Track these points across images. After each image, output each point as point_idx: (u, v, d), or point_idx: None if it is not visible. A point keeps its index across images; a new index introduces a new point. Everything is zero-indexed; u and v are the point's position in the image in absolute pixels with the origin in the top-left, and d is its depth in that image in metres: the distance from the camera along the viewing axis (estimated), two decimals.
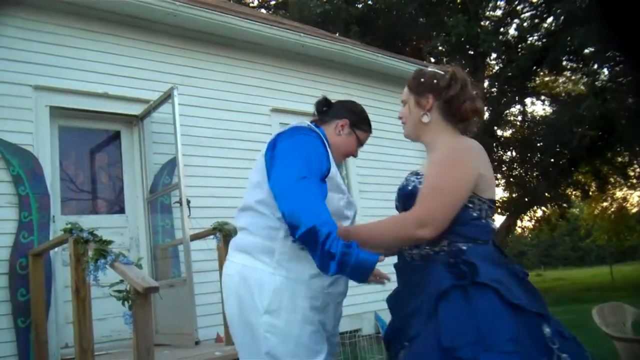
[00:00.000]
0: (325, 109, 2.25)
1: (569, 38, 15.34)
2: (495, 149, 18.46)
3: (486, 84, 17.53)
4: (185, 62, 6.03)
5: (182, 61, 6.01)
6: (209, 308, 4.89)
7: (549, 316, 1.56)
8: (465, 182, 1.73)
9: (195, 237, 4.80)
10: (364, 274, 1.72)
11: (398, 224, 1.74)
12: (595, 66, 15.94)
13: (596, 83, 16.10)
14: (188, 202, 4.80)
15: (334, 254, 1.70)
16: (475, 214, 1.74)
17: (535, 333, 1.50)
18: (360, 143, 2.25)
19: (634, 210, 27.34)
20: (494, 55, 17.20)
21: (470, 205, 1.74)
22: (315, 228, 1.74)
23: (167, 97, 5.02)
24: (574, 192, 21.73)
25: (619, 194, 26.05)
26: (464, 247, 1.69)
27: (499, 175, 19.57)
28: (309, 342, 1.88)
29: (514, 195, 19.63)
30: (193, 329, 4.40)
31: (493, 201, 1.80)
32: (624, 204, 26.98)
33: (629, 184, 24.04)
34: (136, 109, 5.50)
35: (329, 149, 2.06)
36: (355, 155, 2.25)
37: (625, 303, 3.57)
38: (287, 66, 6.97)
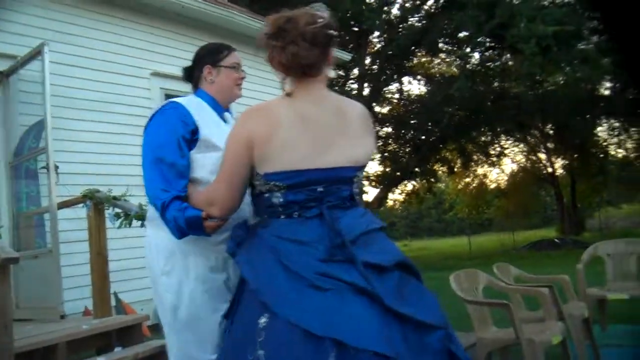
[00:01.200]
0: (190, 73, 2.26)
1: (446, 21, 16.15)
2: (373, 125, 19.18)
3: (368, 61, 18.03)
4: (61, 17, 5.61)
5: (58, 16, 5.58)
6: (77, 280, 4.65)
7: (274, 307, 1.52)
8: (235, 155, 1.73)
9: (64, 205, 4.54)
10: (199, 227, 1.86)
11: (198, 200, 1.87)
12: (468, 50, 16.97)
13: (467, 66, 17.21)
14: (56, 167, 4.51)
15: (169, 220, 1.89)
16: (260, 190, 1.73)
17: (250, 323, 1.56)
18: (236, 70, 2.23)
19: (492, 186, 29.83)
20: (376, 33, 17.69)
21: (257, 182, 1.74)
22: (155, 204, 1.95)
23: (36, 53, 4.65)
24: (441, 168, 23.21)
25: (480, 170, 28.26)
26: (254, 222, 1.81)
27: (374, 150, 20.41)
28: (203, 299, 1.97)
29: (387, 170, 20.56)
30: (58, 303, 4.20)
31: (283, 173, 1.68)
32: (484, 180, 29.32)
33: (489, 161, 26.13)
34: (2, 65, 5.06)
35: (194, 112, 2.07)
36: (239, 86, 2.23)
37: (479, 270, 3.95)
38: (168, 28, 6.71)
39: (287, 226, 1.67)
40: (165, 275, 2.01)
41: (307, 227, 1.65)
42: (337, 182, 1.69)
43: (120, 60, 6.08)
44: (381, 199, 20.59)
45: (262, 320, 1.52)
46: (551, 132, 22.87)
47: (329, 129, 1.72)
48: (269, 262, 1.62)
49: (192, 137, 2.01)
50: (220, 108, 2.19)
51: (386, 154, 20.72)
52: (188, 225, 1.86)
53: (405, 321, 1.52)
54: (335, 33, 1.78)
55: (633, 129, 22.39)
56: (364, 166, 1.79)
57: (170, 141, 1.99)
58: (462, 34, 16.54)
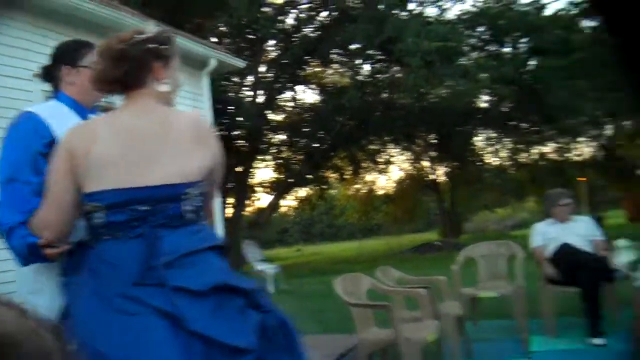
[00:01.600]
0: (48, 73, 2.10)
1: (338, 33, 16.62)
2: (266, 133, 19.25)
3: (263, 69, 18.12)
4: None
5: None
6: None
7: (80, 334, 1.44)
8: (57, 174, 1.66)
9: None
10: (40, 255, 1.74)
11: (33, 224, 1.72)
12: (359, 61, 17.55)
13: (358, 77, 17.80)
14: None
15: (12, 247, 1.79)
16: (85, 210, 1.65)
17: None
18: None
19: (381, 192, 30.95)
20: (271, 42, 17.83)
21: (82, 202, 1.65)
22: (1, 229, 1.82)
23: None
24: (332, 175, 23.76)
25: (369, 177, 29.21)
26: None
27: (269, 157, 20.51)
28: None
29: (280, 176, 20.73)
30: None
31: (101, 193, 1.60)
32: (373, 187, 30.35)
33: (378, 169, 27.10)
34: None
35: (51, 121, 1.91)
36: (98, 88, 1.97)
37: (367, 273, 4.18)
38: (55, 28, 6.41)
39: (110, 247, 1.59)
40: (33, 295, 1.85)
41: (127, 249, 1.57)
42: (164, 201, 1.59)
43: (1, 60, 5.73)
44: (274, 205, 20.73)
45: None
46: (434, 141, 24.12)
47: (154, 143, 1.64)
48: (87, 287, 1.57)
49: (50, 150, 1.82)
50: (84, 110, 2.01)
51: (280, 161, 20.88)
52: (30, 253, 1.74)
53: (211, 345, 1.49)
54: (163, 47, 1.73)
55: (506, 139, 24.25)
56: (199, 181, 1.65)
57: (24, 159, 1.84)
58: (353, 46, 17.08)
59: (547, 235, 4.95)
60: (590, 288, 4.45)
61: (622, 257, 4.34)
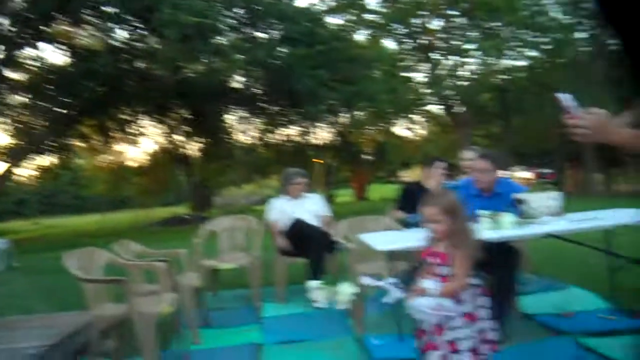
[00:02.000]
0: None
1: None
2: (2, 92, 17.04)
3: (6, 21, 15.90)
4: None
5: None
6: None
7: None
8: None
9: None
10: None
11: None
12: (115, 26, 16.50)
13: (112, 42, 16.74)
14: None
15: None
16: None
17: None
18: None
19: (131, 164, 29.82)
20: None
21: None
22: None
23: None
24: (79, 144, 22.11)
25: (119, 148, 27.91)
26: None
27: (5, 120, 18.22)
28: None
29: (19, 142, 18.54)
30: None
31: None
32: (123, 158, 29.08)
33: (129, 140, 26.02)
34: None
35: None
36: None
37: (109, 247, 4.06)
38: None
39: None
40: None
41: None
42: None
43: None
44: (9, 173, 18.53)
45: None
46: (188, 116, 24.03)
47: None
48: None
49: None
50: None
51: (19, 125, 18.65)
52: None
53: None
54: None
55: (256, 119, 25.32)
56: None
57: None
58: (108, 9, 15.99)
59: (282, 210, 5.40)
60: (316, 258, 4.98)
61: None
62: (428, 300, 2.35)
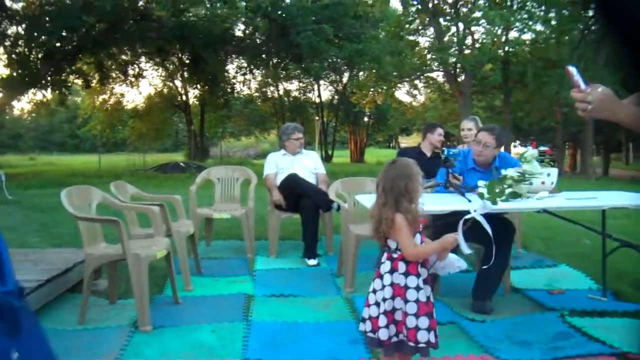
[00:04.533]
0: None
1: None
2: None
3: None
4: None
5: None
6: None
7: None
8: None
9: None
10: None
11: None
12: None
13: None
14: None
15: None
16: None
17: None
18: None
19: (129, 106, 29.56)
20: None
21: None
22: None
23: None
24: (76, 81, 21.81)
25: (118, 89, 27.60)
26: None
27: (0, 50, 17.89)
28: None
29: (13, 74, 18.24)
30: None
31: None
32: (122, 99, 28.82)
33: (128, 81, 25.73)
34: None
35: None
36: None
37: (103, 188, 4.04)
38: None
39: None
40: None
41: None
42: None
43: None
44: (4, 105, 18.30)
45: None
46: (187, 61, 23.69)
47: None
48: None
49: None
50: None
51: (14, 57, 18.29)
52: None
53: None
54: None
55: (257, 71, 25.04)
56: None
57: None
58: None
59: (279, 165, 5.37)
60: (310, 215, 4.99)
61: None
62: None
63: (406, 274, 2.28)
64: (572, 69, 1.79)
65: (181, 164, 19.83)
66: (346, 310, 3.62)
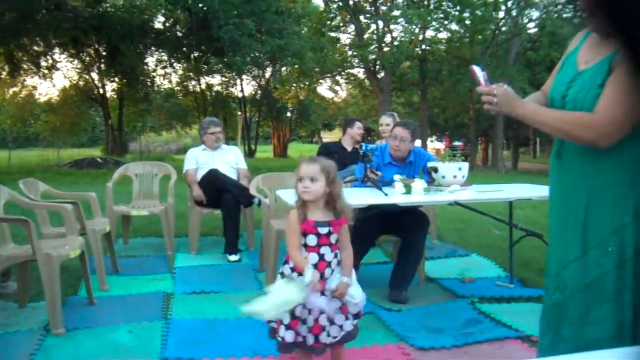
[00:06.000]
0: None
1: None
2: None
3: None
4: None
5: None
6: None
7: None
8: None
9: None
10: None
11: None
12: None
13: None
14: None
15: None
16: None
17: None
18: None
19: (42, 99, 28.13)
20: None
21: None
22: None
23: None
24: None
25: (30, 81, 26.19)
26: None
27: None
28: None
29: None
30: None
31: None
32: (34, 92, 27.38)
33: (40, 73, 24.45)
34: None
35: None
36: None
37: (14, 185, 3.85)
38: None
39: None
40: None
41: None
42: None
43: None
44: None
45: None
46: (104, 53, 22.83)
47: None
48: None
49: None
50: None
51: None
52: None
53: None
54: None
55: (177, 64, 24.45)
56: None
57: None
58: None
59: (199, 160, 5.31)
60: (231, 211, 4.97)
61: None
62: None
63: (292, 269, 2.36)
64: (476, 68, 1.94)
65: (98, 159, 19.09)
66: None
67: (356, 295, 2.36)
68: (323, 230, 2.33)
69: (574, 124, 1.72)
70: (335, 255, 2.36)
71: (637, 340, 1.71)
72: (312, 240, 2.33)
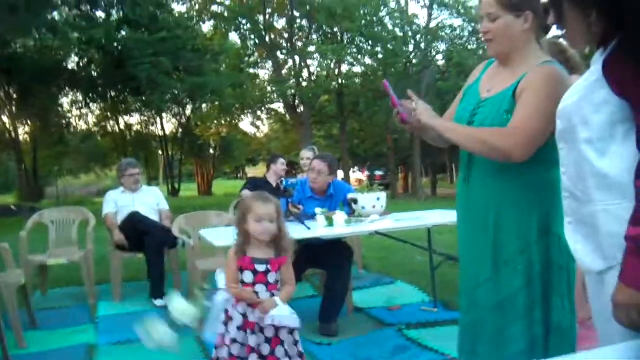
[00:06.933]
0: None
1: None
2: None
3: None
4: None
5: None
6: None
7: None
8: None
9: None
10: None
11: None
12: None
13: None
14: None
15: None
16: None
17: None
18: None
19: None
20: None
21: None
22: None
23: None
24: None
25: None
26: None
27: None
28: None
29: None
30: None
31: None
32: None
33: None
34: None
35: None
36: None
37: None
38: None
39: None
40: None
41: None
42: None
43: None
44: None
45: None
46: (15, 95, 21.89)
47: None
48: None
49: None
50: None
51: None
52: None
53: None
54: None
55: (94, 105, 23.76)
56: None
57: None
58: None
59: (118, 203, 5.19)
60: (155, 254, 4.87)
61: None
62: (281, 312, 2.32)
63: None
64: (388, 84, 2.08)
65: (12, 207, 18.08)
66: (196, 349, 3.58)
67: (279, 315, 2.31)
68: (260, 268, 2.34)
69: (494, 132, 1.84)
70: (272, 295, 2.35)
71: (547, 353, 1.83)
72: (248, 277, 2.34)
